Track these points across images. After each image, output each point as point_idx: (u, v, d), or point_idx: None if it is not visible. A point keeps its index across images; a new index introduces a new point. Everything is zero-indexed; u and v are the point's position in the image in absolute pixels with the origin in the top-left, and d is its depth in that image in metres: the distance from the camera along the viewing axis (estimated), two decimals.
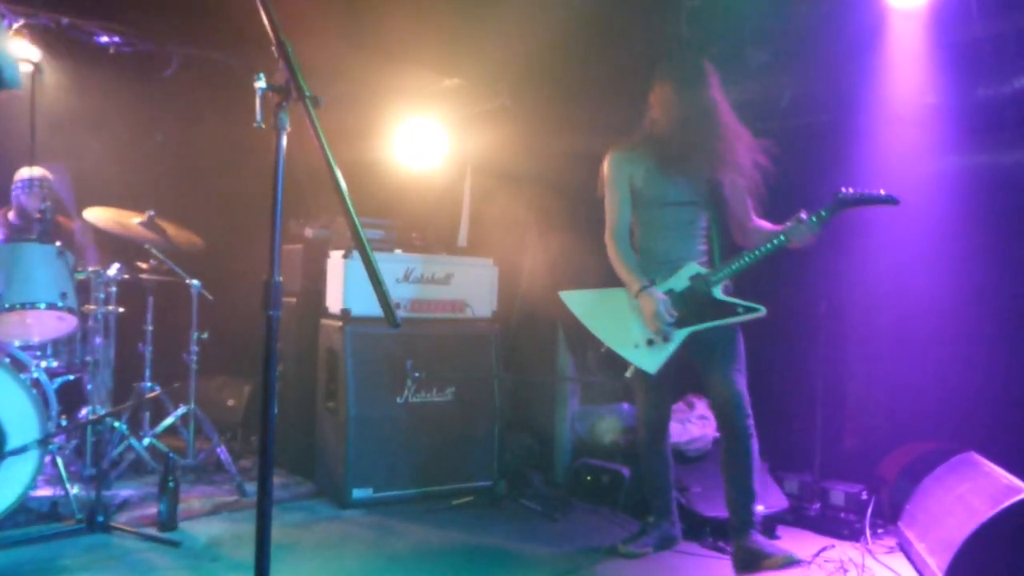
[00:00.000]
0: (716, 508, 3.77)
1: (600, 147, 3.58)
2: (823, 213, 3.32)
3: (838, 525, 3.83)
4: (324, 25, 4.07)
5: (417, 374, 4.27)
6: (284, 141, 1.52)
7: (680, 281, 3.42)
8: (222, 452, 4.30)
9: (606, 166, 3.53)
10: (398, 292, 4.31)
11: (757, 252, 3.36)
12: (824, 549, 3.60)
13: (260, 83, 1.52)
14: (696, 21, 3.96)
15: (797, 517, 3.97)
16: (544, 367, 4.87)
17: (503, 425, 4.60)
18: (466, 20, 3.98)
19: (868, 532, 3.71)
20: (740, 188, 3.46)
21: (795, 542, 3.75)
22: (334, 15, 4.12)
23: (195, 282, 4.37)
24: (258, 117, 1.55)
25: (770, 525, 3.85)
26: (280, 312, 1.56)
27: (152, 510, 3.68)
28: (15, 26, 4.27)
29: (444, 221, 5.10)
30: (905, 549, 3.53)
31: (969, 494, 3.23)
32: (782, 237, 3.32)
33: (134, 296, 4.40)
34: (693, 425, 4.10)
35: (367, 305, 4.17)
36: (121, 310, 4.24)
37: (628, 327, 3.40)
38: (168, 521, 3.59)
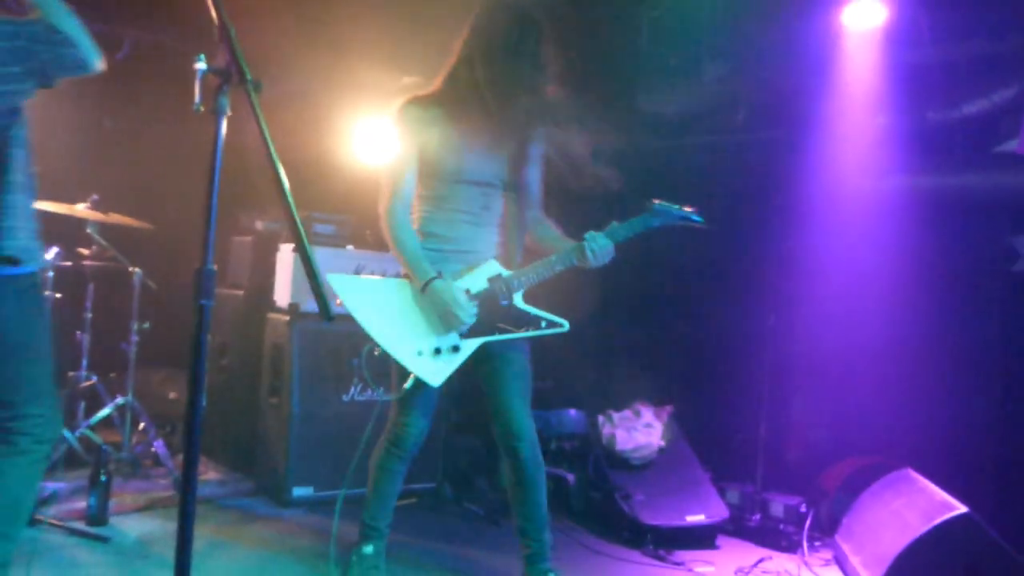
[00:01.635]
0: (658, 516, 3.79)
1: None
2: (623, 230, 2.86)
3: (777, 536, 3.87)
4: (281, 19, 4.01)
5: (364, 372, 4.20)
6: (224, 125, 1.48)
7: (477, 281, 2.89)
8: (159, 446, 4.19)
9: (397, 120, 2.91)
10: None
11: (555, 260, 2.88)
12: (762, 560, 3.64)
13: (200, 64, 1.47)
14: (655, 32, 3.98)
15: (737, 527, 4.00)
16: None
17: (449, 427, 4.56)
18: (420, 17, 3.95)
19: (805, 544, 3.76)
20: (539, 168, 3.01)
21: (734, 552, 3.79)
22: (290, 9, 4.06)
23: (137, 270, 4.26)
24: (197, 100, 1.51)
25: (710, 535, 3.88)
26: (212, 302, 1.51)
27: (82, 504, 3.55)
28: None
29: None
30: (840, 562, 3.59)
31: (904, 509, 3.30)
32: (586, 250, 2.81)
33: (73, 283, 4.27)
34: (639, 433, 4.11)
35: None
36: (58, 296, 4.11)
37: (412, 329, 2.84)
38: (98, 516, 3.47)
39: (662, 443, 4.14)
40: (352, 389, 4.19)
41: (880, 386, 4.14)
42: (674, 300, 4.95)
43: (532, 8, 2.82)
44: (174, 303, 4.49)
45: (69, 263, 4.18)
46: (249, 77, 1.46)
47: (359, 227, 4.63)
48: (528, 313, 2.89)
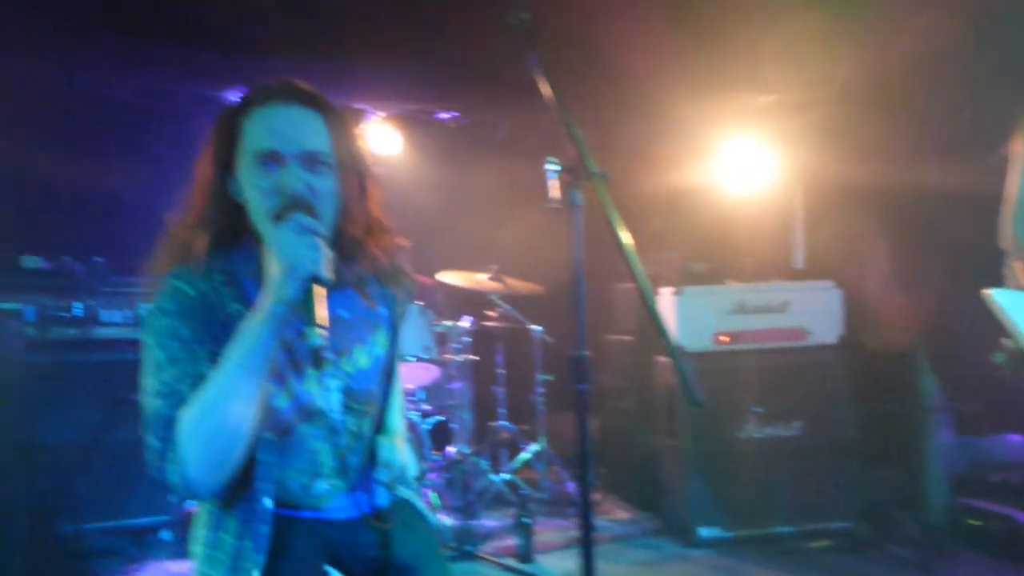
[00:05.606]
0: None
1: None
2: None
3: None
4: (636, 64, 4.12)
5: (758, 409, 4.08)
6: (579, 218, 1.57)
7: None
8: (572, 487, 4.51)
9: None
10: (731, 324, 4.17)
11: None
12: None
13: (551, 166, 1.58)
14: None
15: None
16: (904, 394, 4.36)
17: (860, 460, 4.20)
18: (781, 33, 3.77)
19: None
20: None
21: None
22: (646, 53, 4.13)
23: (537, 328, 4.67)
24: (552, 197, 1.62)
25: None
26: (590, 386, 1.59)
27: (512, 541, 3.94)
28: (376, 118, 4.99)
29: (775, 244, 4.84)
30: None
31: None
32: None
33: (485, 344, 4.83)
34: None
35: (701, 340, 4.11)
36: (475, 358, 4.67)
37: None
38: (526, 554, 3.83)
39: None
40: (748, 426, 4.08)
41: None
42: None
43: None
44: (571, 353, 4.84)
45: (479, 327, 4.74)
46: (595, 171, 1.52)
47: (735, 258, 4.54)
48: None
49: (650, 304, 1.48)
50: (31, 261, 3.70)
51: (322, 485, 1.60)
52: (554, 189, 1.61)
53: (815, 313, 4.24)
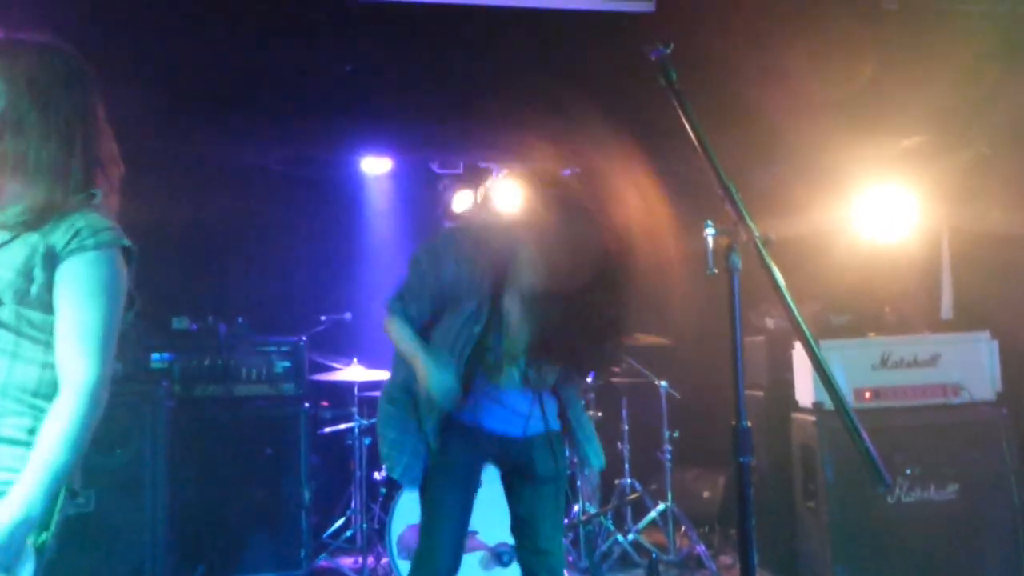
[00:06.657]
0: None
1: None
2: None
3: None
4: (772, 108, 4.00)
5: (909, 471, 3.80)
6: (737, 282, 1.49)
7: None
8: (701, 549, 4.32)
9: None
10: (874, 379, 3.92)
11: None
12: None
13: (709, 230, 1.51)
14: None
15: None
16: None
17: None
18: (918, 76, 3.59)
19: None
20: None
21: None
22: (784, 97, 4.02)
23: (663, 383, 4.55)
24: (710, 263, 1.55)
25: None
26: (752, 458, 1.49)
27: None
28: (500, 175, 5.05)
29: (920, 293, 4.55)
30: None
31: None
32: None
33: (610, 399, 4.73)
34: None
35: None
36: (599, 414, 4.57)
37: None
38: None
39: None
40: (897, 490, 3.80)
41: None
42: None
43: None
44: (697, 408, 4.68)
45: (603, 382, 4.65)
46: (757, 233, 1.44)
47: (876, 308, 4.29)
48: None
49: (828, 376, 1.37)
50: (179, 322, 3.90)
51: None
52: (713, 253, 1.54)
53: (969, 367, 3.94)
